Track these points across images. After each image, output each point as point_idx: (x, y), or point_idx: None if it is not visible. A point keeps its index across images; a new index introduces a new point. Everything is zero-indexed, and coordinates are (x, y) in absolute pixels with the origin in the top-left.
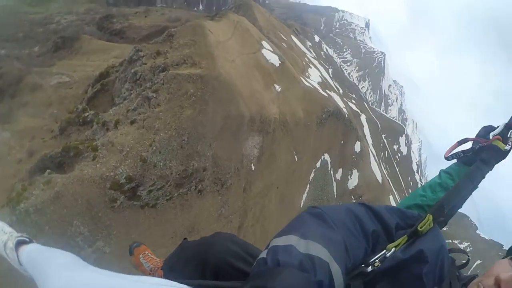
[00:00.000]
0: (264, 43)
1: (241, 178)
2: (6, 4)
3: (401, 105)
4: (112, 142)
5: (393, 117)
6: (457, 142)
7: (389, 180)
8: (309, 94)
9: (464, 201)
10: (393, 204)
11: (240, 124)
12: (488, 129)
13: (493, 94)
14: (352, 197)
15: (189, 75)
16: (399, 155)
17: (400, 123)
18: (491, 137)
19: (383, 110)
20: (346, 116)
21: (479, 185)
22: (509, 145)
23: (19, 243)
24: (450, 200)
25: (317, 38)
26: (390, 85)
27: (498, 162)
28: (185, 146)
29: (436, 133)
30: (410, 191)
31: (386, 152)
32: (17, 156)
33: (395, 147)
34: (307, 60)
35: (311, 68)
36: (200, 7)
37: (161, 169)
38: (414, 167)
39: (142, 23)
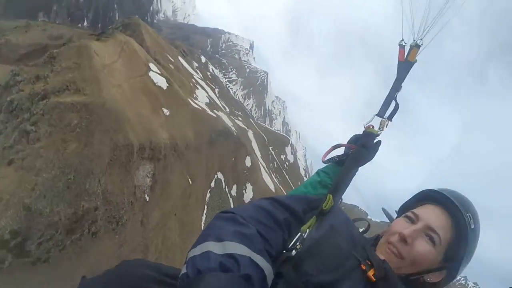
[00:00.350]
0: (151, 65)
1: (136, 212)
2: None
3: (284, 118)
4: None
5: (278, 130)
6: (332, 147)
7: (281, 188)
8: (197, 115)
9: (351, 181)
10: None
11: (130, 153)
12: (358, 136)
13: (363, 102)
14: None
15: (73, 103)
16: (287, 163)
17: (284, 134)
18: (364, 127)
19: (268, 124)
20: (235, 133)
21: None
22: (380, 129)
23: None
24: (343, 180)
25: (203, 59)
26: (273, 101)
27: (375, 147)
28: (71, 186)
29: (318, 139)
30: None
31: (275, 162)
32: None
33: (283, 156)
34: (194, 81)
35: (198, 89)
36: (85, 23)
37: (48, 216)
38: (302, 172)
39: (20, 40)
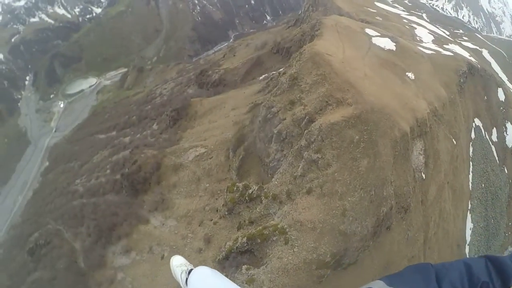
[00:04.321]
0: (368, 31)
1: (417, 193)
2: (105, 98)
3: None
4: (300, 221)
5: (510, 35)
6: None
7: None
8: (436, 62)
9: None
10: None
11: (405, 141)
12: None
13: None
14: None
15: (345, 119)
16: None
17: None
18: None
19: (496, 32)
20: (478, 66)
21: None
22: None
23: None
24: None
25: None
26: (489, 1)
27: None
28: (374, 200)
29: None
30: None
31: None
32: (194, 245)
33: None
34: (405, 21)
35: (415, 28)
36: (268, 18)
37: (360, 233)
38: None
39: (234, 63)
